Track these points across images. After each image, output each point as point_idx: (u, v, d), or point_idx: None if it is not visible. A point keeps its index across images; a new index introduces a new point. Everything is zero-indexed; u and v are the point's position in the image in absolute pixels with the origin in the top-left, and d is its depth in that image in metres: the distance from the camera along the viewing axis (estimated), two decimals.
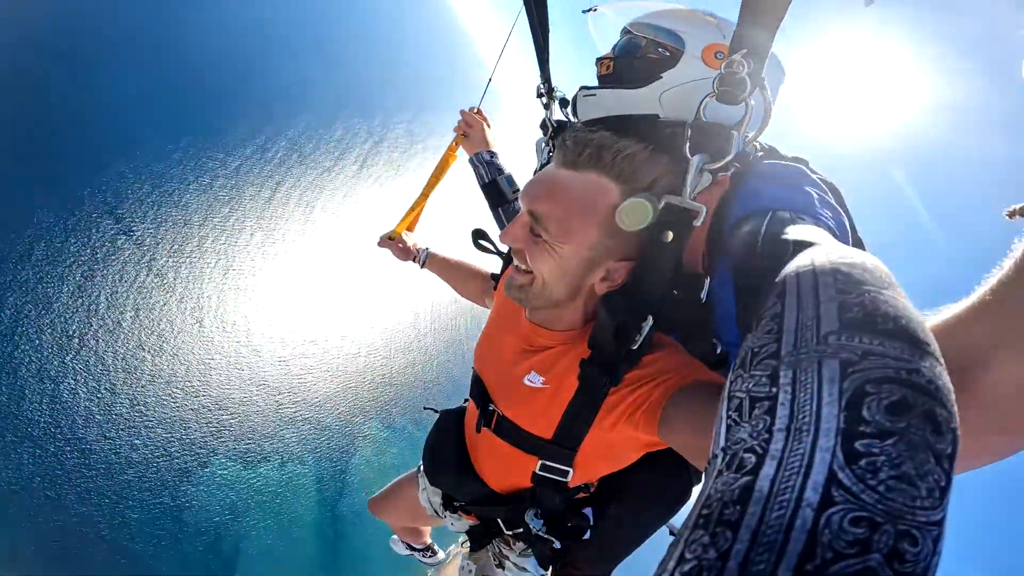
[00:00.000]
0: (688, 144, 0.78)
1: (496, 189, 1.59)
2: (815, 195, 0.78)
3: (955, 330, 0.46)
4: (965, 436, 0.33)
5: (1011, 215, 0.48)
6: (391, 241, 1.70)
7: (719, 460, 0.34)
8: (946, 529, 0.28)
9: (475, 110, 1.70)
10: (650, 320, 0.78)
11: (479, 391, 1.10)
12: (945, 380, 0.34)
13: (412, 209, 1.71)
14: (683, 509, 1.20)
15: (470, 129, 1.66)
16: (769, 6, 0.70)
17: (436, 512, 1.49)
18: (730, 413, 0.37)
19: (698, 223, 0.75)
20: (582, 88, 1.09)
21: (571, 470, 0.96)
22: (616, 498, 1.12)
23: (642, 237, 0.81)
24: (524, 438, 0.98)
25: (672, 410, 0.76)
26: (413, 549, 2.15)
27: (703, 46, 0.97)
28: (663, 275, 0.78)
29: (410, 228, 1.72)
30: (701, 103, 0.80)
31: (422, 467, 1.45)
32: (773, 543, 0.26)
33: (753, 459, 0.31)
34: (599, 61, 1.10)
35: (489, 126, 1.68)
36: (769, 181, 0.82)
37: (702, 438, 0.67)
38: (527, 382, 0.98)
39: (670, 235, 0.76)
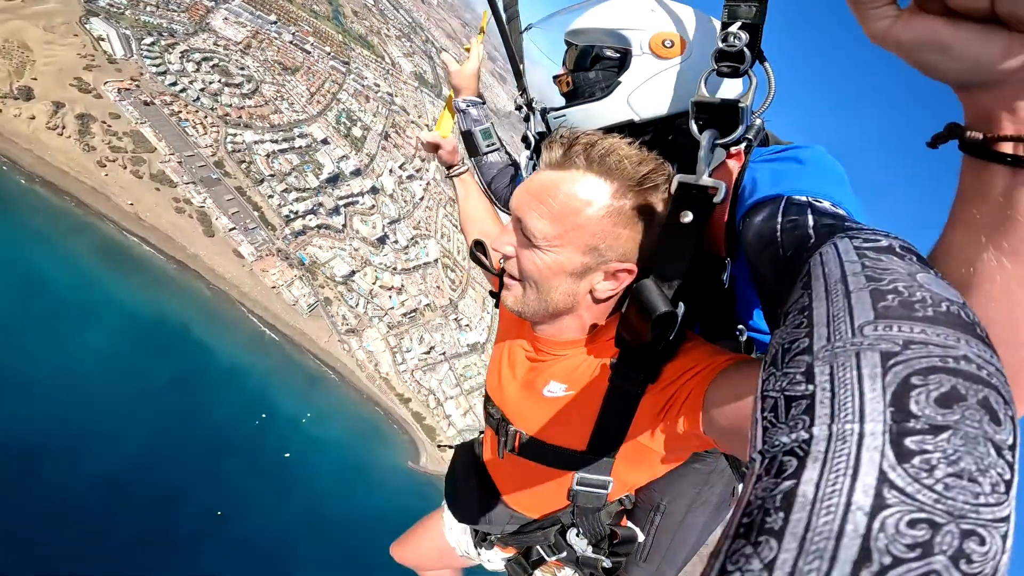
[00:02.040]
0: (693, 122, 0.79)
1: (470, 141, 1.63)
2: (827, 176, 0.78)
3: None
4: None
5: (932, 144, 0.49)
6: (444, 139, 1.59)
7: (757, 464, 0.33)
8: (1015, 524, 0.28)
9: (465, 47, 1.70)
10: (682, 307, 0.77)
11: (495, 417, 1.08)
12: (998, 364, 0.33)
13: (448, 109, 1.69)
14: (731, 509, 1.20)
15: (451, 75, 1.62)
16: None
17: (466, 552, 1.48)
18: (765, 414, 0.36)
19: (718, 200, 0.76)
20: (550, 111, 1.14)
21: (611, 480, 0.95)
22: (658, 508, 1.11)
23: (645, 231, 0.82)
24: (555, 454, 0.97)
25: (713, 398, 0.74)
26: None
27: (647, 39, 0.98)
28: (686, 259, 0.77)
29: (446, 131, 1.69)
30: (701, 79, 0.80)
31: (446, 506, 1.43)
32: (823, 550, 0.25)
33: (794, 462, 0.30)
34: (556, 79, 1.14)
35: (478, 60, 1.64)
36: (780, 164, 0.82)
37: (748, 423, 0.68)
38: (547, 393, 0.97)
39: (689, 216, 0.76)
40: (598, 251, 0.85)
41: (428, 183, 78.80)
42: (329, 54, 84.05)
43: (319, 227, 58.20)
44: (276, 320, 49.39)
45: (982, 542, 0.25)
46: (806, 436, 0.32)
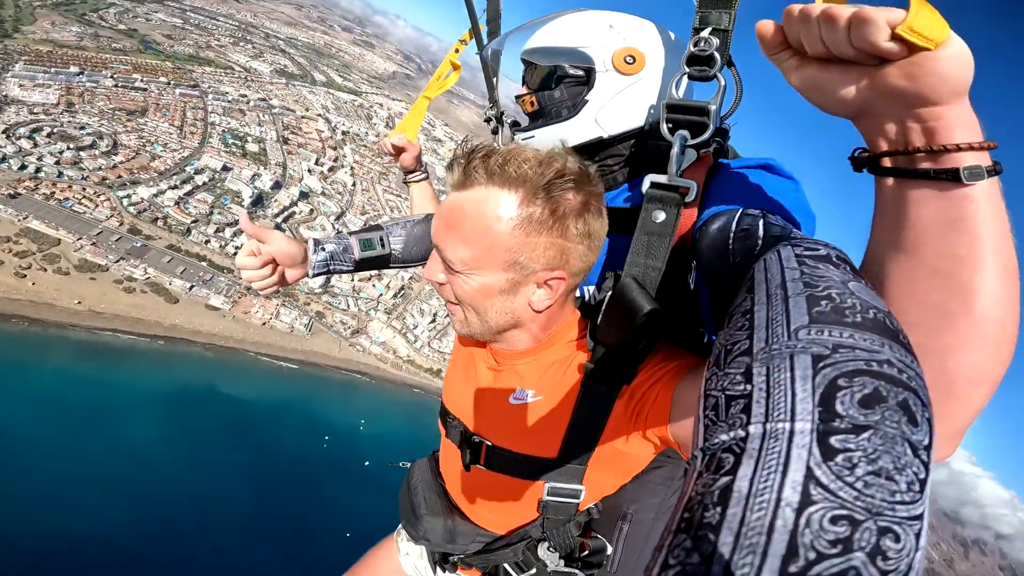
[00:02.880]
0: (664, 123, 0.84)
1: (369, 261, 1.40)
2: (783, 192, 0.83)
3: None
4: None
5: (854, 167, 0.56)
6: (411, 144, 1.60)
7: (698, 461, 0.36)
8: (927, 521, 0.29)
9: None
10: (662, 312, 0.79)
11: (457, 430, 1.07)
12: (918, 368, 0.36)
13: (415, 111, 1.67)
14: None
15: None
16: None
17: None
18: (707, 412, 0.39)
19: (689, 199, 0.80)
20: (518, 131, 1.15)
21: (583, 488, 0.95)
22: (625, 516, 1.14)
23: (564, 233, 0.82)
24: (524, 463, 0.96)
25: (680, 399, 0.77)
26: None
27: (610, 56, 1.01)
28: (662, 258, 0.80)
29: (412, 134, 1.65)
30: (672, 82, 0.86)
31: (403, 527, 1.35)
32: (755, 544, 0.27)
33: (731, 459, 0.33)
34: (519, 99, 1.15)
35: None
36: (738, 178, 0.86)
37: None
38: (514, 401, 0.96)
39: (661, 215, 0.80)
40: (519, 264, 0.83)
41: (351, 167, 77.15)
42: (169, 83, 77.12)
43: None
44: (284, 351, 48.81)
45: (897, 539, 0.27)
46: (743, 434, 0.34)
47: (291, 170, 68.98)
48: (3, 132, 53.49)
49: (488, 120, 1.49)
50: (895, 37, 0.44)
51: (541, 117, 1.11)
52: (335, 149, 79.99)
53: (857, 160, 0.56)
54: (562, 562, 1.06)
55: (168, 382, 41.59)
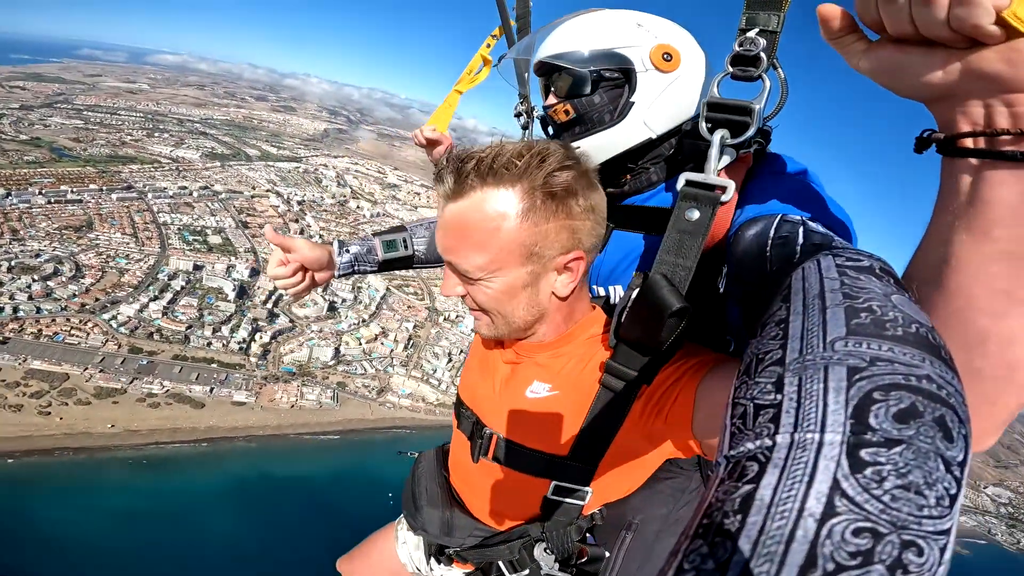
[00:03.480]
0: (703, 121, 0.86)
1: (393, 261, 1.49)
2: (824, 199, 0.85)
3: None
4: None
5: (917, 149, 0.57)
6: (443, 136, 1.63)
7: (721, 468, 0.37)
8: (954, 537, 0.30)
9: None
10: (690, 309, 0.80)
11: (469, 420, 1.10)
12: (958, 385, 0.37)
13: (447, 104, 1.74)
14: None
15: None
16: None
17: (417, 568, 1.45)
18: (734, 420, 0.40)
19: (725, 199, 0.81)
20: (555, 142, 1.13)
21: (590, 491, 0.96)
22: (630, 526, 1.15)
23: (569, 213, 0.85)
24: (533, 459, 0.97)
25: (705, 396, 0.78)
26: None
27: (647, 55, 1.04)
28: (693, 257, 0.82)
29: (443, 126, 1.71)
30: (715, 81, 0.87)
31: (404, 517, 1.38)
32: (773, 554, 0.28)
33: (756, 467, 0.33)
34: (551, 109, 1.13)
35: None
36: (779, 181, 0.88)
37: None
38: (530, 394, 0.98)
39: (696, 213, 0.82)
40: (536, 255, 0.86)
41: (319, 235, 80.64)
42: (102, 189, 77.32)
43: (275, 336, 59.11)
44: (321, 426, 51.40)
45: (920, 553, 0.28)
46: (769, 443, 0.35)
47: (262, 253, 71.51)
48: None
49: (518, 115, 1.54)
50: (998, 21, 0.44)
51: (579, 124, 1.10)
52: (296, 221, 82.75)
53: (928, 140, 0.55)
54: (557, 566, 1.07)
55: (224, 477, 43.30)
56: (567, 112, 1.10)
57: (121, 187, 79.69)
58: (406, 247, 1.49)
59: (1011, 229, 0.49)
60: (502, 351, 1.07)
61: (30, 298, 53.72)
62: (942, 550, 0.29)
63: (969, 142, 0.51)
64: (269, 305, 62.30)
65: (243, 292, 63.47)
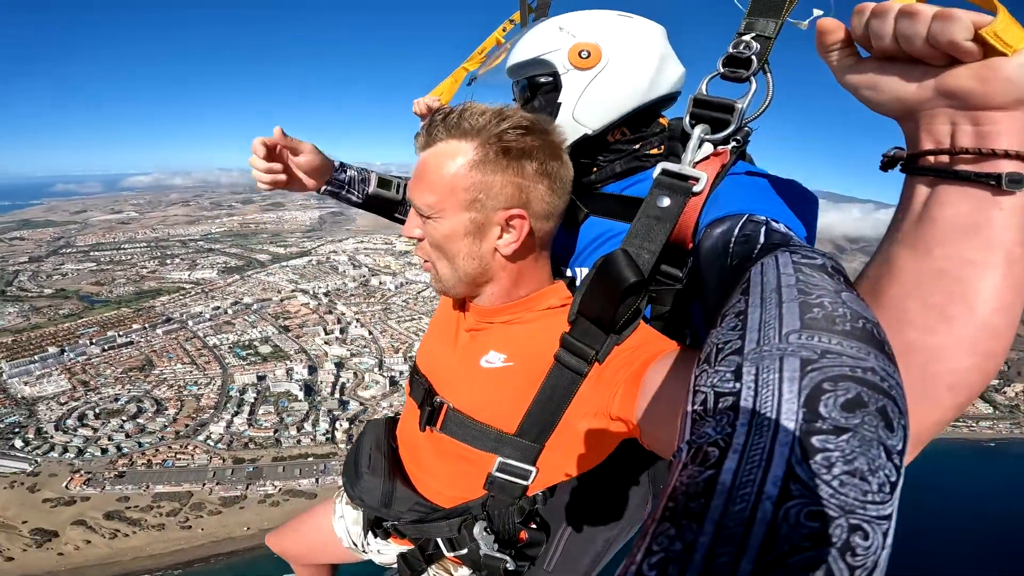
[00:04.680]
0: (688, 116, 0.94)
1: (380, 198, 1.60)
2: (790, 200, 0.93)
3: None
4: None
5: (882, 167, 0.62)
6: (442, 107, 1.58)
7: (684, 453, 0.40)
8: (895, 523, 0.34)
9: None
10: (648, 286, 0.86)
11: (422, 387, 1.13)
12: (898, 378, 0.42)
13: (453, 78, 1.84)
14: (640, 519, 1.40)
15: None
16: (772, 0, 0.89)
17: (354, 543, 1.47)
18: (695, 407, 0.44)
19: (696, 190, 0.88)
20: None
21: (534, 470, 0.99)
22: (573, 510, 1.22)
23: (520, 172, 0.94)
24: (480, 433, 1.01)
25: (650, 383, 0.81)
26: None
27: (565, 57, 1.16)
28: (658, 243, 0.87)
29: (446, 98, 1.82)
30: (705, 80, 0.95)
31: (343, 486, 1.36)
32: (735, 536, 0.31)
33: (717, 453, 0.37)
34: None
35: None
36: (750, 180, 0.97)
37: (677, 411, 0.70)
38: (485, 363, 1.02)
39: (666, 201, 0.88)
40: (478, 202, 0.94)
41: (356, 319, 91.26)
42: (145, 327, 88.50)
43: (352, 421, 68.10)
44: None
45: (866, 536, 0.31)
46: (729, 429, 0.39)
47: (312, 351, 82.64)
48: (56, 428, 63.47)
49: None
50: (975, 39, 0.48)
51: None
52: (330, 312, 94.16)
53: (892, 158, 0.60)
54: (496, 546, 1.11)
55: None
56: None
57: (161, 321, 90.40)
58: (398, 191, 1.61)
59: (950, 247, 0.53)
60: (463, 317, 1.13)
61: (127, 436, 63.86)
62: (884, 535, 0.32)
63: (930, 160, 0.55)
64: (336, 395, 72.81)
65: (309, 390, 73.73)
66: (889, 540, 0.32)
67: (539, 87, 1.22)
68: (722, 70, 0.93)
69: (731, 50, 0.92)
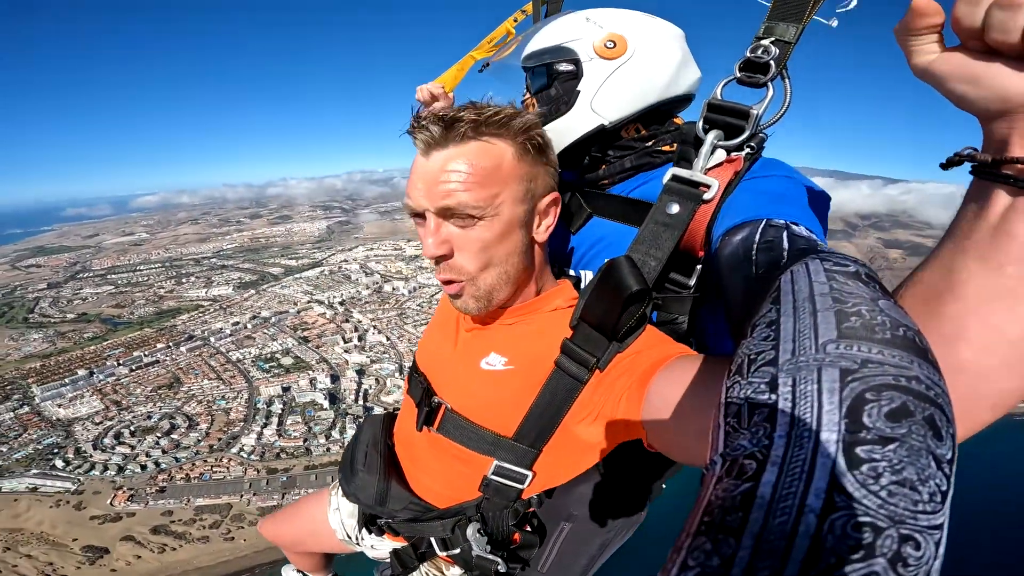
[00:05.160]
0: (702, 120, 0.93)
1: None
2: (810, 201, 0.90)
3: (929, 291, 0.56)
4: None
5: (945, 165, 0.57)
6: (444, 95, 1.64)
7: (718, 466, 0.39)
8: (947, 532, 0.33)
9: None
10: (652, 295, 0.84)
11: (420, 386, 1.13)
12: (944, 386, 0.40)
13: (459, 67, 1.80)
14: (632, 524, 1.40)
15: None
16: (793, 4, 0.87)
17: (348, 536, 1.50)
18: (728, 419, 0.43)
19: (707, 197, 0.87)
20: None
21: (530, 475, 0.99)
22: (569, 517, 1.20)
23: (547, 162, 0.98)
24: (477, 436, 1.00)
25: (658, 387, 0.80)
26: None
27: (591, 46, 1.16)
28: (666, 250, 0.86)
29: (451, 86, 1.77)
30: (720, 84, 0.94)
31: (339, 482, 1.39)
32: (776, 549, 0.30)
33: (754, 465, 0.36)
34: (523, 104, 1.34)
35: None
36: (763, 184, 0.93)
37: (692, 418, 0.72)
38: (485, 365, 1.01)
39: (676, 207, 0.87)
40: (530, 192, 0.95)
41: (373, 327, 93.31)
42: (169, 346, 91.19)
43: None
44: None
45: (917, 547, 0.30)
46: (766, 442, 0.37)
47: (332, 360, 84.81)
48: (94, 447, 66.10)
49: None
50: None
51: (543, 116, 1.21)
52: (347, 321, 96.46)
53: (962, 158, 0.56)
54: (488, 548, 1.11)
55: None
56: (533, 105, 1.28)
57: (184, 339, 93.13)
58: None
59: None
60: (464, 317, 1.11)
61: (164, 452, 66.34)
62: (937, 544, 0.31)
63: (1015, 169, 0.51)
64: (360, 402, 74.88)
65: (334, 398, 75.85)
66: (941, 550, 0.32)
67: (558, 75, 1.23)
68: (738, 75, 0.92)
69: (748, 54, 0.90)
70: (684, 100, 1.25)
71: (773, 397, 0.41)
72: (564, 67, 1.22)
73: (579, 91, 1.19)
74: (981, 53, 0.53)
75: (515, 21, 1.80)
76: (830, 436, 0.35)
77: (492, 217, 0.93)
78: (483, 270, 0.97)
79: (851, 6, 0.84)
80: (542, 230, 1.00)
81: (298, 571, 2.07)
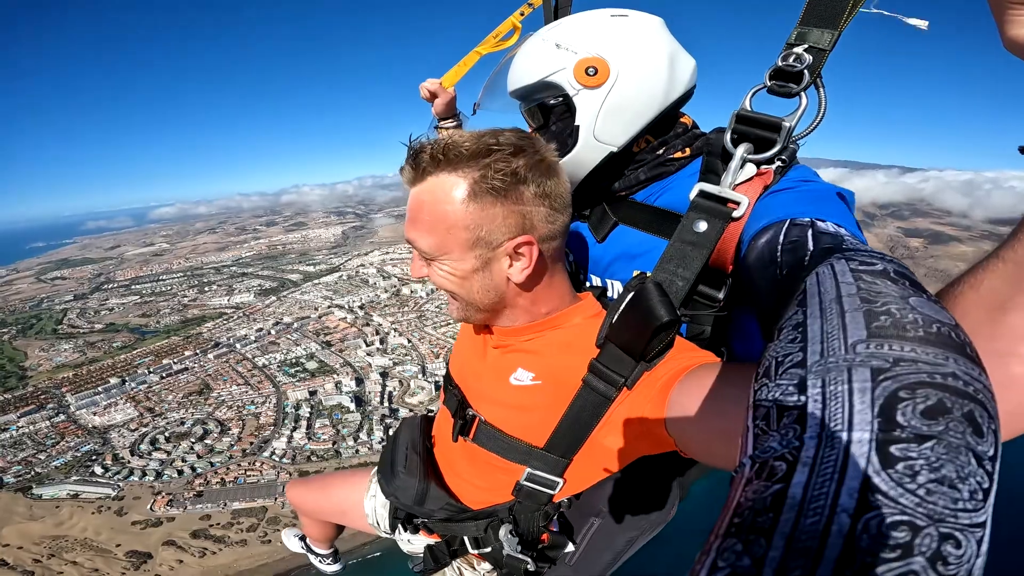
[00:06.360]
0: (730, 132, 0.90)
1: None
2: (834, 200, 0.88)
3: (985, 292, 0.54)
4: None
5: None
6: (444, 91, 1.71)
7: (747, 468, 0.39)
8: (989, 530, 0.32)
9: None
10: (682, 321, 0.84)
11: (455, 398, 1.18)
12: (986, 381, 0.39)
13: (463, 63, 1.80)
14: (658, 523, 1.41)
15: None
16: (829, 9, 0.83)
17: (378, 524, 1.57)
18: (757, 422, 0.42)
19: (737, 215, 0.84)
20: None
21: (561, 481, 1.01)
22: (599, 513, 1.22)
23: (518, 199, 0.92)
24: (510, 446, 1.04)
25: (680, 392, 0.81)
26: (313, 552, 2.17)
27: (571, 76, 1.11)
28: (693, 269, 0.84)
29: (451, 82, 1.81)
30: (749, 94, 0.90)
31: (379, 482, 1.41)
32: (808, 549, 0.30)
33: (784, 466, 0.36)
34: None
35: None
36: (791, 189, 0.90)
37: (712, 420, 0.75)
38: (514, 381, 1.04)
39: (704, 225, 0.84)
40: (483, 240, 0.92)
41: (394, 329, 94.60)
42: (196, 353, 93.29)
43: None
44: None
45: (958, 545, 0.30)
46: (796, 443, 0.37)
47: (356, 363, 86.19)
48: (131, 453, 68.06)
49: None
50: None
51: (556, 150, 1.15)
52: (367, 324, 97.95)
53: None
54: (519, 547, 1.14)
55: None
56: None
57: (211, 346, 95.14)
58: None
59: None
60: (489, 335, 1.14)
61: (199, 457, 68.14)
62: (979, 542, 0.31)
63: None
64: (386, 404, 76.16)
65: (359, 400, 77.12)
66: (984, 548, 0.31)
67: (551, 109, 1.20)
68: (769, 83, 0.88)
69: (780, 63, 0.86)
70: (686, 96, 1.23)
71: (802, 399, 0.41)
72: (554, 102, 1.20)
73: (577, 126, 1.16)
74: None
75: (522, 15, 1.74)
76: (862, 436, 0.35)
77: (440, 261, 0.97)
78: (452, 297, 1.03)
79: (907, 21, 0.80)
80: (514, 272, 0.97)
81: (299, 536, 2.16)
